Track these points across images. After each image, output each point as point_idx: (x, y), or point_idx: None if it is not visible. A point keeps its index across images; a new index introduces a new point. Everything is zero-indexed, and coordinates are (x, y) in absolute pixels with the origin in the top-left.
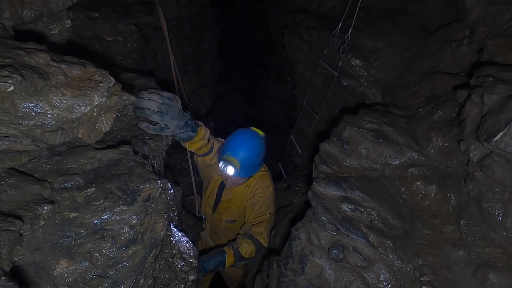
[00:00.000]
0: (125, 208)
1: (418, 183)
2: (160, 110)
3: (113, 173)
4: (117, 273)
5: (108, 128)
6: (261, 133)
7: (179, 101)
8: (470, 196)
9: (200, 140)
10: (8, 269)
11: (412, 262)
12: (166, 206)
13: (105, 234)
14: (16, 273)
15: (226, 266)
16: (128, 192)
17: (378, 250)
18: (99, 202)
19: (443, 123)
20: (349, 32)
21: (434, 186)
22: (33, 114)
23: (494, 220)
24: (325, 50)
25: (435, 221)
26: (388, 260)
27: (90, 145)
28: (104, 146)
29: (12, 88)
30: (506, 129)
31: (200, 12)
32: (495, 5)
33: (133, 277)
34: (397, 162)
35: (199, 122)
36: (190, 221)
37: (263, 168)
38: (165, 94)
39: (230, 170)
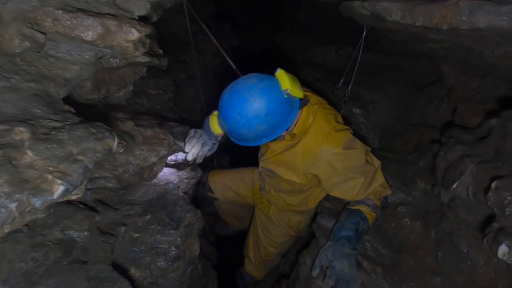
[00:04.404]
0: (172, 231)
1: (406, 219)
2: (203, 143)
3: (162, 204)
4: (165, 282)
5: (161, 170)
6: (284, 81)
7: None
8: (445, 232)
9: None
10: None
11: (399, 287)
12: (200, 231)
13: (158, 251)
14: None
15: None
16: (174, 219)
17: (370, 275)
18: (153, 226)
19: (425, 169)
20: (349, 87)
21: (419, 222)
22: (124, 163)
23: (462, 252)
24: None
25: (419, 253)
26: (378, 284)
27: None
28: (154, 183)
29: (122, 150)
30: (459, 180)
31: (223, 62)
32: (466, 74)
33: (176, 287)
34: (389, 202)
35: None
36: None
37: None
38: (192, 132)
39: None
